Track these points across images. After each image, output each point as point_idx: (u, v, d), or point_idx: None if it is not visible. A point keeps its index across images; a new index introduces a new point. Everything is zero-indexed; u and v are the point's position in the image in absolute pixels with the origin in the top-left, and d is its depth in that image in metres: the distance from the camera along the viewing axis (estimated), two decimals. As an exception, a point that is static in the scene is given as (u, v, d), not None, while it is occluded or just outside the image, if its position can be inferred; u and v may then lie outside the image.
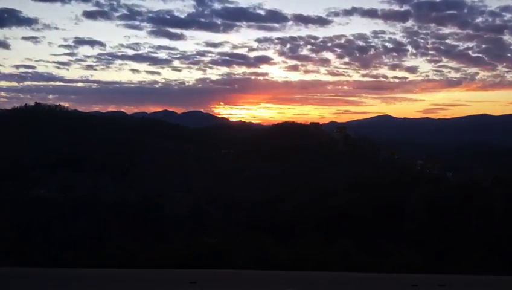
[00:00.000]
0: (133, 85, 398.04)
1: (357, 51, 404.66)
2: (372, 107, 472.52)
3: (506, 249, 33.32)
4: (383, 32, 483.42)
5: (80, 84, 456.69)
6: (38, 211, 53.48)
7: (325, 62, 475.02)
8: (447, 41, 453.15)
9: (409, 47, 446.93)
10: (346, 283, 12.62)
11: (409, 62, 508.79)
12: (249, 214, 60.72)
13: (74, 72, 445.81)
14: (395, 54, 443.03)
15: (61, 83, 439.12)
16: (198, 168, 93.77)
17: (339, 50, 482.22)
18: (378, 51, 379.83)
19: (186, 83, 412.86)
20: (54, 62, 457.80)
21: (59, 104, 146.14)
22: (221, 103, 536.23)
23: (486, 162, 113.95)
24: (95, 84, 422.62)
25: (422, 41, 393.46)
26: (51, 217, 51.00)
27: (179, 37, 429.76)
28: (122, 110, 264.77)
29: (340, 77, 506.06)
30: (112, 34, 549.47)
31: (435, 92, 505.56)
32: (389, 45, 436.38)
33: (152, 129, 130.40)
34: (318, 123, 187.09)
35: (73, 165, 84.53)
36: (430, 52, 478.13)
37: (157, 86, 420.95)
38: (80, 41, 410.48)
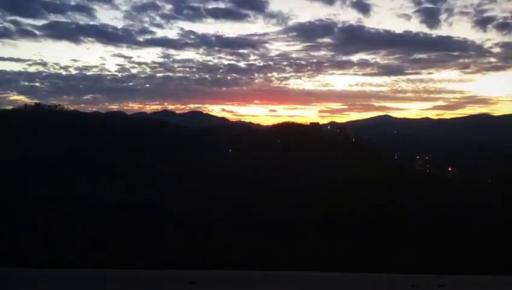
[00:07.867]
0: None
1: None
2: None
3: (506, 249, 33.35)
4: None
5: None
6: (38, 211, 53.47)
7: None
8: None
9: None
10: (346, 283, 12.59)
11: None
12: (249, 214, 60.64)
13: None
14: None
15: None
16: (198, 168, 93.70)
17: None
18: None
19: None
20: None
21: (59, 104, 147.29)
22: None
23: (486, 162, 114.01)
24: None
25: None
26: (51, 217, 50.93)
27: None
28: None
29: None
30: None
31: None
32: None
33: (152, 129, 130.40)
34: (318, 123, 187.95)
35: (73, 165, 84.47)
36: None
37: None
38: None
